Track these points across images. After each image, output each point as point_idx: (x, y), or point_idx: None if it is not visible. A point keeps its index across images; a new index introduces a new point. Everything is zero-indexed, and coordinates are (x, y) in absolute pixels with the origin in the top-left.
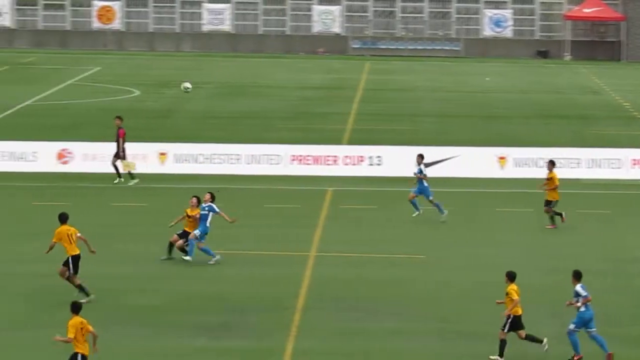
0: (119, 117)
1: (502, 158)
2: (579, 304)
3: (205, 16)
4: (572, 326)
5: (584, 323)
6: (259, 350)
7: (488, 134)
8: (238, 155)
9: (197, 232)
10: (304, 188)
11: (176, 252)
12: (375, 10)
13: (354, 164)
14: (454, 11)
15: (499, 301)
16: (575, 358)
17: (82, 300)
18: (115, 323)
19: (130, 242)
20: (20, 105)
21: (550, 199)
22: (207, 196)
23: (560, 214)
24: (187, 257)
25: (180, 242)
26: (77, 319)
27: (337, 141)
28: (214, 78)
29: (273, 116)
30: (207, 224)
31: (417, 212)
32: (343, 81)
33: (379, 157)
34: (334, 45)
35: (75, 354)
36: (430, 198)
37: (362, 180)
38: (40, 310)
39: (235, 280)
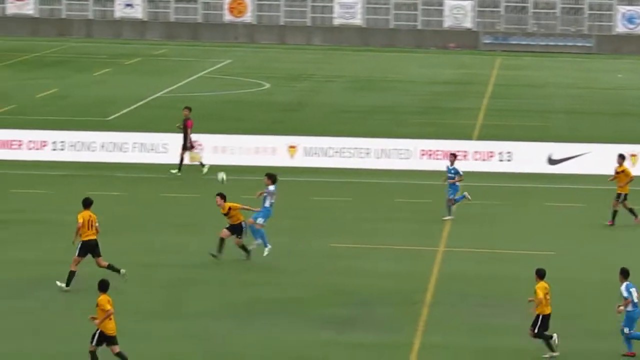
0: (187, 108)
1: (633, 155)
2: (621, 307)
3: (337, 10)
4: (626, 329)
5: (632, 322)
6: (387, 344)
7: (619, 131)
8: (368, 149)
9: (260, 220)
10: (434, 183)
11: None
12: (507, 6)
13: (483, 160)
14: (587, 7)
15: (530, 299)
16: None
17: (60, 283)
18: (250, 315)
19: None
20: (151, 97)
21: (621, 192)
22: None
23: (635, 214)
24: (267, 247)
25: (239, 240)
26: (105, 296)
27: (467, 136)
28: (345, 72)
29: (403, 111)
30: (268, 206)
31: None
32: (473, 76)
33: (509, 152)
34: (465, 40)
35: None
36: (450, 197)
37: (491, 176)
38: (176, 301)
39: (365, 274)
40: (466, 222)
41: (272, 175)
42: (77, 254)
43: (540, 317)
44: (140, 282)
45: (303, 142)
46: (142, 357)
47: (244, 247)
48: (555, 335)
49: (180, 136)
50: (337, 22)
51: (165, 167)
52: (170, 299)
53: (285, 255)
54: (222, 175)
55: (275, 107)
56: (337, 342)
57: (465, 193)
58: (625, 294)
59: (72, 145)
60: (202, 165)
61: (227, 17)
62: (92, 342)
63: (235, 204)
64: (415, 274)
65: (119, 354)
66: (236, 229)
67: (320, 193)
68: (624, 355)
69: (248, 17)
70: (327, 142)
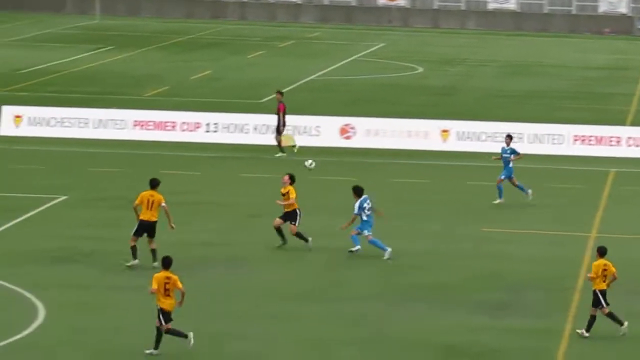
0: (279, 92)
1: None
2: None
3: None
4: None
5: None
6: (538, 329)
7: None
8: (520, 133)
9: (366, 232)
10: (586, 168)
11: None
12: None
13: (637, 146)
14: None
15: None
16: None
17: (128, 264)
18: (403, 299)
19: (406, 218)
20: (305, 80)
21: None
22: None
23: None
24: (386, 250)
25: (294, 227)
26: (163, 274)
27: (620, 122)
28: (498, 56)
29: (556, 96)
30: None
31: (499, 200)
32: (628, 62)
33: None
34: (619, 25)
35: (159, 308)
36: (502, 177)
37: None
38: (331, 284)
39: (516, 259)
40: (618, 208)
41: (357, 188)
42: (133, 233)
43: (598, 292)
44: (297, 265)
45: (456, 126)
46: (294, 340)
47: (299, 235)
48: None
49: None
50: (491, 6)
51: (318, 150)
52: (325, 282)
53: (438, 239)
54: (310, 162)
55: (428, 91)
56: (489, 326)
57: (529, 191)
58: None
59: (225, 127)
60: (282, 151)
61: (381, 0)
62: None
63: (293, 192)
64: (566, 259)
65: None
66: (290, 216)
67: (472, 177)
68: None
69: (402, 0)
70: (480, 126)
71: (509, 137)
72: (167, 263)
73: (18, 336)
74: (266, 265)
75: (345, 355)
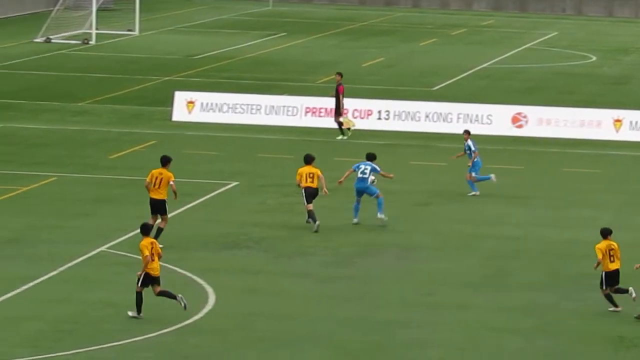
0: (339, 73)
1: None
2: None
3: None
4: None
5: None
6: None
7: None
8: None
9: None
10: None
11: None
12: None
13: None
14: None
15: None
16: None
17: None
18: (576, 289)
19: (577, 207)
20: (477, 68)
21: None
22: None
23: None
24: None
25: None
26: (147, 240)
27: None
28: None
29: None
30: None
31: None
32: None
33: None
34: None
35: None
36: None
37: None
38: (501, 272)
39: None
40: None
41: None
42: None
43: (603, 273)
44: (465, 253)
45: (629, 115)
46: (462, 328)
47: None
48: (631, 289)
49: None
50: None
51: (489, 139)
52: (493, 270)
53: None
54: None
55: (601, 80)
56: None
57: (492, 175)
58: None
59: (397, 115)
60: (343, 133)
61: None
62: (138, 284)
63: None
64: None
65: (161, 293)
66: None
67: None
68: None
69: None
70: None
71: (467, 133)
72: (146, 229)
73: (188, 321)
74: (435, 254)
75: (514, 346)
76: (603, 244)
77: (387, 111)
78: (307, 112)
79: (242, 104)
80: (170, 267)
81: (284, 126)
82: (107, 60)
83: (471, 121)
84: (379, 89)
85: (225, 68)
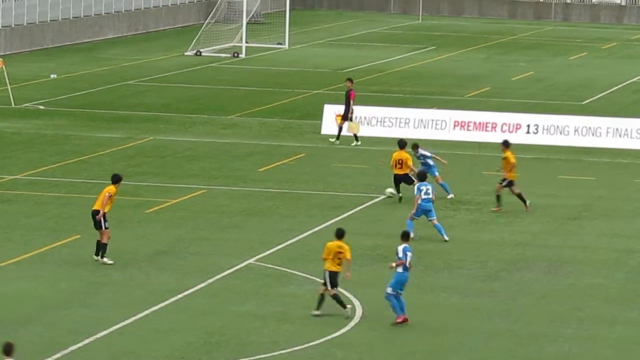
0: (349, 79)
1: None
2: (393, 265)
3: None
4: (389, 289)
5: (400, 285)
6: None
7: None
8: None
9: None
10: None
11: None
12: None
13: None
14: None
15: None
16: (397, 320)
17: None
18: None
19: None
20: (627, 82)
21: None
22: None
23: (525, 201)
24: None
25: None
26: (335, 243)
27: None
28: None
29: None
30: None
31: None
32: None
33: None
34: None
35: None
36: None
37: None
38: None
39: None
40: None
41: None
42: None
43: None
44: (615, 268)
45: None
46: (614, 343)
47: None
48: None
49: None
50: None
51: (639, 154)
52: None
53: None
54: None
55: None
56: None
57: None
58: (400, 254)
59: (545, 129)
60: (356, 139)
61: None
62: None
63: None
64: None
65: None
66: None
67: None
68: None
69: None
70: None
71: (415, 147)
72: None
73: (335, 334)
74: (583, 268)
75: None
76: (335, 244)
77: (536, 125)
78: (455, 125)
79: (391, 118)
80: (318, 280)
81: (432, 140)
82: (256, 74)
83: (620, 135)
84: (529, 102)
85: (375, 81)
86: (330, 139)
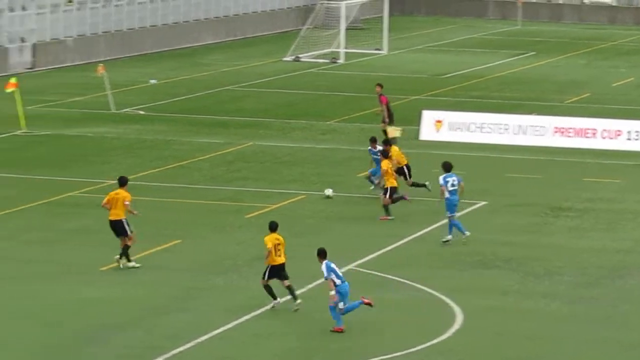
0: (379, 85)
1: None
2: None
3: None
4: (340, 304)
5: (341, 297)
6: None
7: None
8: None
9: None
10: None
11: None
12: None
13: None
14: None
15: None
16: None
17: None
18: None
19: None
20: None
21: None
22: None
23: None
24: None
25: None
26: (270, 236)
27: None
28: None
29: None
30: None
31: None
32: None
33: None
34: None
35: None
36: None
37: None
38: None
39: None
40: None
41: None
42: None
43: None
44: None
45: None
46: None
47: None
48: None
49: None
50: None
51: None
52: None
53: None
54: (329, 192)
55: None
56: None
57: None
58: (325, 274)
59: None
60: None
61: None
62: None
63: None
64: None
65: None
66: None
67: None
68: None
69: None
70: None
71: (374, 141)
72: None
73: (436, 340)
74: None
75: None
76: (272, 237)
77: (637, 132)
78: (555, 131)
79: (490, 124)
80: (418, 285)
81: (532, 146)
82: (355, 79)
83: None
84: (629, 109)
85: (473, 87)
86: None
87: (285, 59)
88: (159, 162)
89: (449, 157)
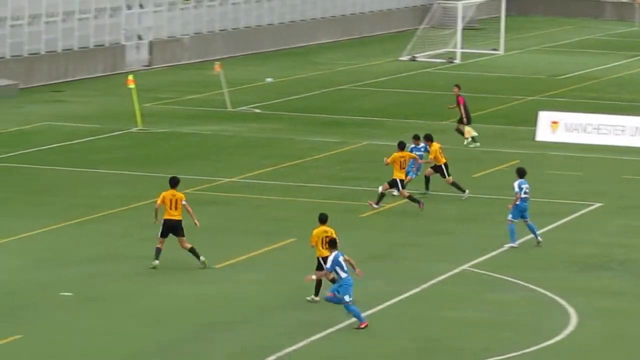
0: (457, 86)
1: None
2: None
3: None
4: (346, 297)
5: (347, 289)
6: None
7: None
8: None
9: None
10: None
11: None
12: None
13: None
14: None
15: None
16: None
17: (151, 265)
18: None
19: None
20: None
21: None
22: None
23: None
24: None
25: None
26: (321, 228)
27: None
28: None
29: None
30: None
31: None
32: None
33: None
34: None
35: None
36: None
37: None
38: None
39: None
40: None
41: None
42: (159, 234)
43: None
44: None
45: None
46: None
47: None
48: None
49: None
50: None
51: None
52: None
53: None
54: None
55: None
56: None
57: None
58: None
59: None
60: (474, 140)
61: None
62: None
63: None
64: None
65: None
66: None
67: None
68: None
69: None
70: None
71: (416, 139)
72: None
73: (550, 342)
74: None
75: None
76: (321, 229)
77: None
78: None
79: (607, 125)
80: (532, 286)
81: None
82: (471, 79)
83: None
84: None
85: (590, 88)
86: (465, 143)
87: (401, 58)
88: (273, 160)
89: (565, 159)
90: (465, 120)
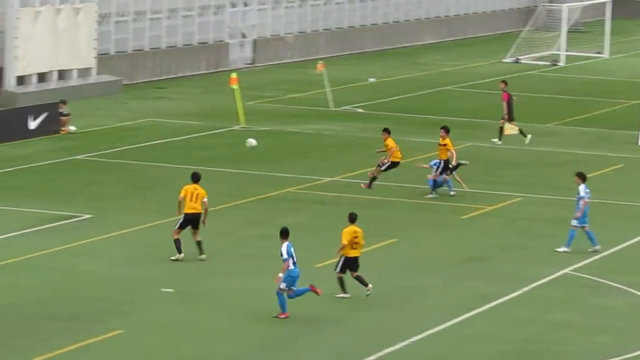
0: (503, 82)
1: None
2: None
3: None
4: (282, 285)
5: (292, 281)
6: None
7: None
8: None
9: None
10: None
11: None
12: None
13: None
14: None
15: None
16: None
17: (173, 258)
18: None
19: None
20: None
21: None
22: None
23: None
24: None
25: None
26: (351, 228)
27: None
28: None
29: None
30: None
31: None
32: None
33: None
34: None
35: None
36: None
37: None
38: None
39: None
40: None
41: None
42: (177, 226)
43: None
44: None
45: None
46: None
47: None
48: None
49: None
50: None
51: None
52: None
53: None
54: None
55: None
56: None
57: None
58: (285, 255)
59: None
60: (524, 135)
61: None
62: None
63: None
64: None
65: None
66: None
67: None
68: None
69: None
70: None
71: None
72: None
73: None
74: None
75: None
76: (352, 229)
77: None
78: None
79: None
80: (633, 291)
81: None
82: (575, 82)
83: None
84: None
85: None
86: (492, 139)
87: (505, 60)
88: (376, 160)
89: None
90: (506, 117)
